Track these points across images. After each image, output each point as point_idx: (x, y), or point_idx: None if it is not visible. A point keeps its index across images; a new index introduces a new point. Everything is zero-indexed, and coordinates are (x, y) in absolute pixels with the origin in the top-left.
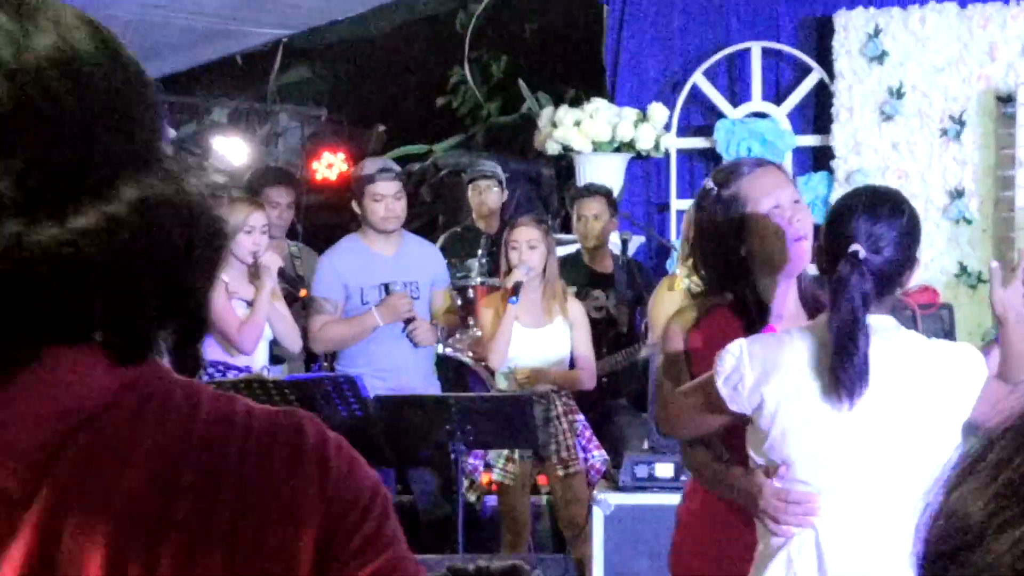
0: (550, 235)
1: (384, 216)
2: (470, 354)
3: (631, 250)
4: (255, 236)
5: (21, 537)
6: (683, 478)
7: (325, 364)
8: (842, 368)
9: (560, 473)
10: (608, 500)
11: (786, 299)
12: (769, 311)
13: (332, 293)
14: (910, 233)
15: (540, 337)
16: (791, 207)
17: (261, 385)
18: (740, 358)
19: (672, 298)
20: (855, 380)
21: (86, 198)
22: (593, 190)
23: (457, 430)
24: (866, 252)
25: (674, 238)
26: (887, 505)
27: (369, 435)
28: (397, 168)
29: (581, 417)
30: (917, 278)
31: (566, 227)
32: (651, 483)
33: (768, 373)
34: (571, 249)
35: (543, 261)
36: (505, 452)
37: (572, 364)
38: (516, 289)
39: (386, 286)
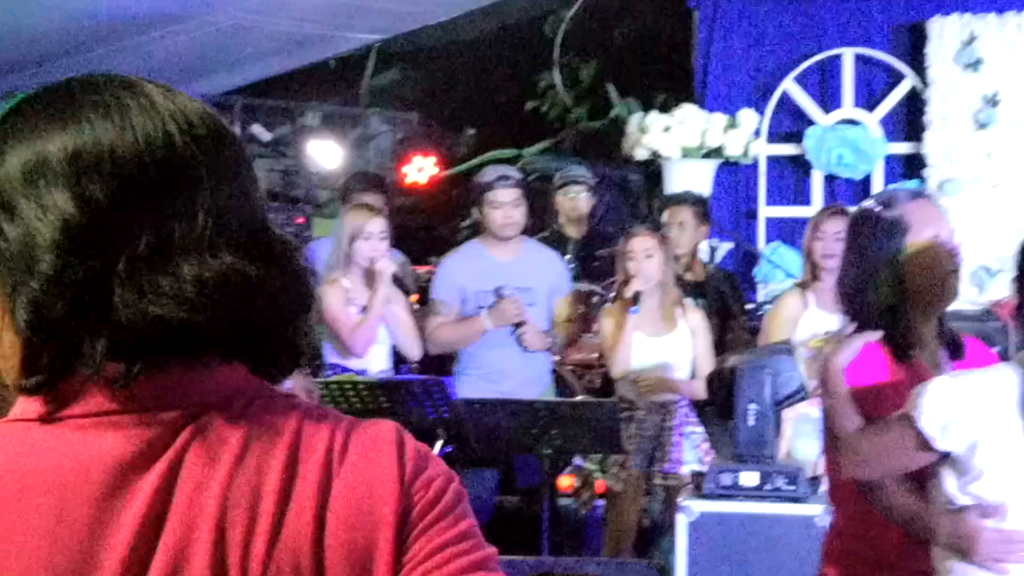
0: (667, 243)
1: (502, 223)
2: (570, 368)
3: (718, 257)
4: (373, 242)
5: (139, 497)
6: (767, 487)
7: (415, 366)
8: None
9: (661, 483)
10: (692, 507)
11: (932, 333)
12: (915, 344)
13: (448, 296)
14: None
15: (662, 345)
16: (949, 241)
17: (353, 386)
18: (948, 397)
19: (787, 308)
20: None
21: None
22: (680, 199)
23: (544, 434)
24: None
25: (762, 245)
26: None
27: (464, 438)
28: (517, 175)
29: (701, 429)
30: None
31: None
32: (736, 491)
33: (981, 412)
34: None
35: (660, 269)
36: (617, 458)
37: (693, 373)
38: (636, 299)
39: (497, 291)
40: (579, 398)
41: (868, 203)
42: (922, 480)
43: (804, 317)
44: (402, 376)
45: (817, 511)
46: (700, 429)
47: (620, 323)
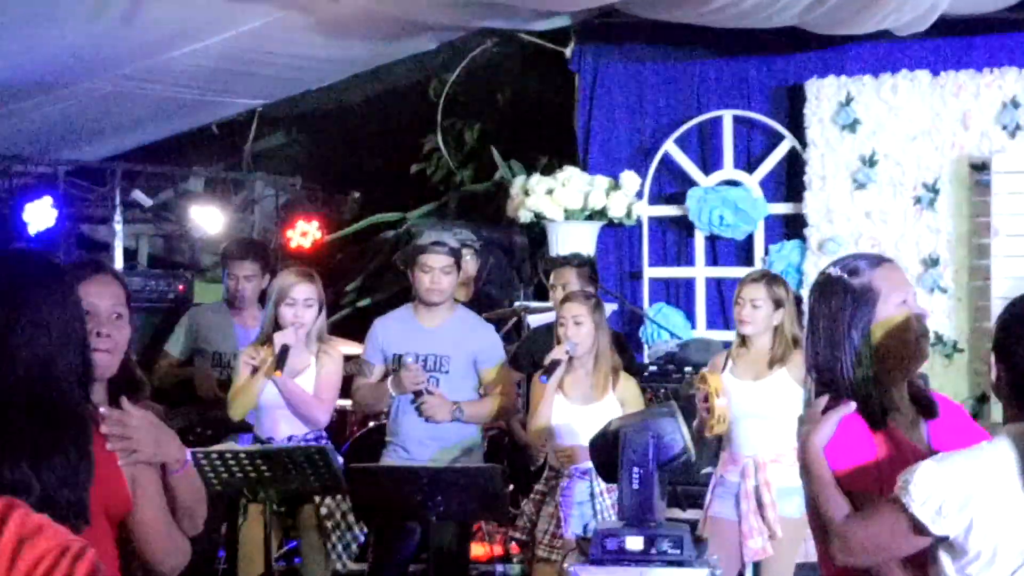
0: (600, 311)
1: (428, 288)
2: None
3: None
4: (297, 308)
5: None
6: (652, 551)
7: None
8: None
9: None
10: (579, 573)
11: (905, 396)
12: (891, 410)
13: (372, 357)
14: None
15: (587, 414)
16: (915, 305)
17: (234, 455)
18: (938, 481)
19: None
20: None
21: None
22: (564, 261)
23: (427, 500)
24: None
25: (647, 305)
26: None
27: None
28: (453, 244)
29: None
30: None
31: (540, 295)
32: (621, 555)
33: (974, 493)
34: (548, 317)
35: (591, 337)
36: (551, 528)
37: None
38: (550, 368)
39: (399, 358)
40: (463, 465)
41: (832, 270)
42: (921, 560)
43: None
44: (283, 444)
45: (703, 574)
46: None
47: (542, 390)
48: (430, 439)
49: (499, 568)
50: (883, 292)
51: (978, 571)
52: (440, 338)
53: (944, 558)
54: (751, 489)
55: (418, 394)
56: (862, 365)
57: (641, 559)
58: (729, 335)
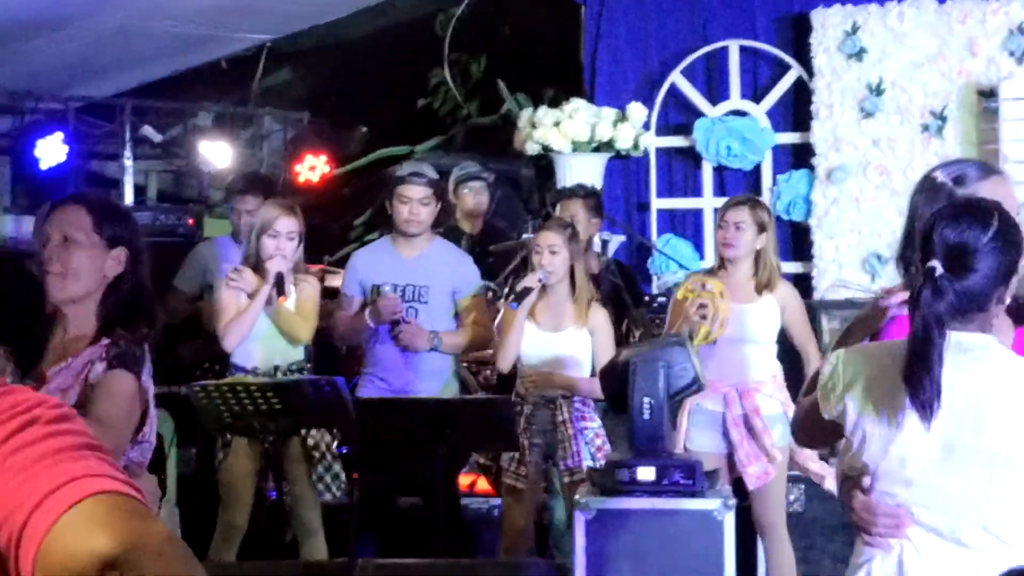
0: (576, 240)
1: (407, 219)
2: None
3: (611, 250)
4: (280, 240)
5: None
6: (664, 482)
7: (309, 367)
8: (913, 389)
9: (566, 480)
10: (590, 504)
11: None
12: None
13: (351, 289)
14: (1000, 247)
15: (557, 341)
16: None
17: (245, 388)
18: (835, 366)
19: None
20: (927, 401)
21: None
22: (571, 192)
23: (437, 434)
24: (943, 268)
25: (655, 237)
26: (972, 531)
27: (357, 439)
28: (432, 174)
29: (596, 424)
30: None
31: None
32: (633, 487)
33: (854, 382)
34: None
35: (565, 266)
36: (516, 455)
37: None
38: (521, 295)
39: (377, 287)
40: (472, 396)
41: (939, 175)
42: None
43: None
44: (294, 377)
45: (715, 505)
46: (595, 424)
47: (513, 316)
48: (407, 368)
49: (498, 502)
50: None
51: (857, 464)
52: (419, 269)
53: (842, 447)
54: (738, 417)
55: (395, 324)
56: None
57: (653, 490)
58: None
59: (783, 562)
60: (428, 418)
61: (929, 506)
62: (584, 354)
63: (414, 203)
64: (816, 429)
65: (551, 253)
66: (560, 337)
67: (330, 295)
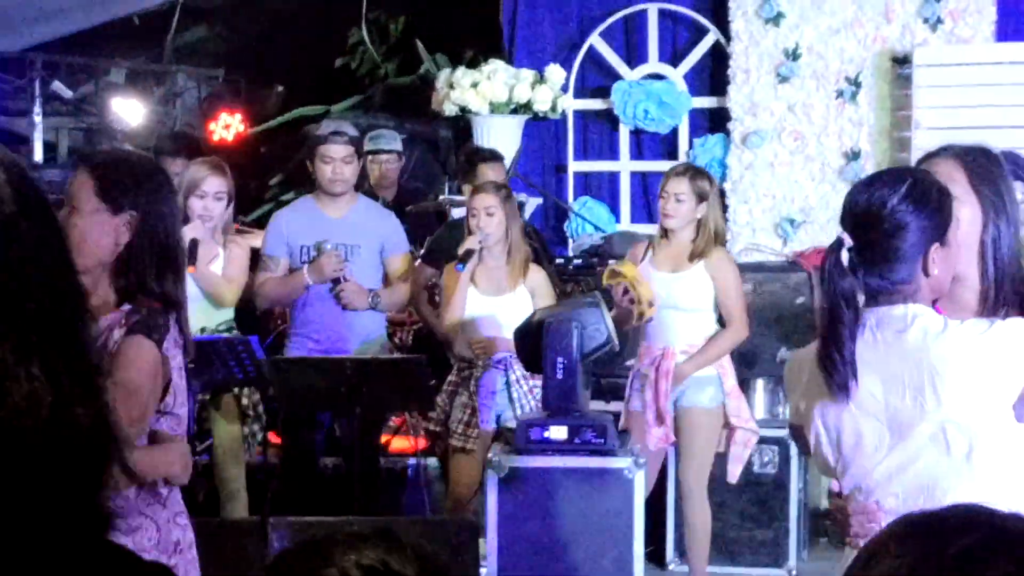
0: (511, 201)
1: (331, 178)
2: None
3: (528, 212)
4: (207, 201)
5: None
6: (576, 440)
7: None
8: (827, 371)
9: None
10: (502, 462)
11: None
12: None
13: (276, 251)
14: (915, 208)
15: (499, 305)
16: None
17: None
18: (790, 367)
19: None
20: (842, 382)
21: None
22: (490, 155)
23: (354, 393)
24: (852, 240)
25: (571, 200)
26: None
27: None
28: (353, 132)
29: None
30: (813, 239)
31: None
32: (545, 445)
33: (799, 384)
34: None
35: (502, 228)
36: (465, 417)
37: None
38: (465, 257)
39: (318, 245)
40: (388, 356)
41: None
42: None
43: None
44: (206, 336)
45: (626, 463)
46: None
47: (455, 279)
48: (342, 328)
49: (412, 461)
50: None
51: (818, 463)
52: (347, 227)
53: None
54: (653, 380)
55: (336, 282)
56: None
57: (565, 448)
58: (652, 228)
59: (695, 523)
60: (345, 377)
61: (896, 493)
62: (526, 315)
63: (337, 162)
64: (801, 426)
65: (487, 215)
66: (501, 300)
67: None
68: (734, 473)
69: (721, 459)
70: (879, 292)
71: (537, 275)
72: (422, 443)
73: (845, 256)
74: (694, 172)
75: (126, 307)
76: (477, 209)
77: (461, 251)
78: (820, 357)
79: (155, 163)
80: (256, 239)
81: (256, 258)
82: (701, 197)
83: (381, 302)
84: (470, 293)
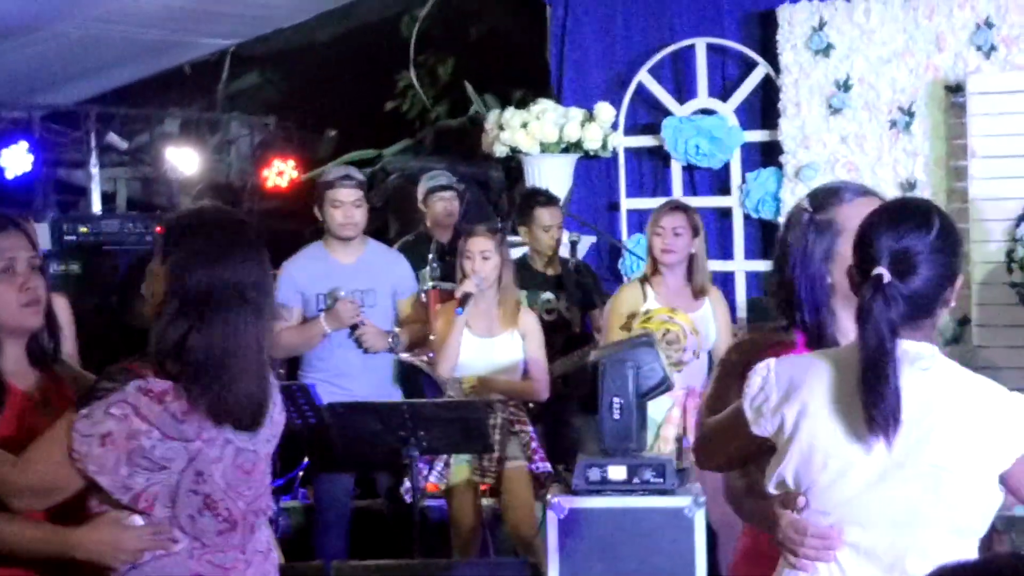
0: (504, 245)
1: (342, 223)
2: (425, 359)
3: (581, 251)
4: None
5: None
6: (635, 480)
7: (281, 372)
8: (872, 404)
9: (476, 479)
10: (562, 503)
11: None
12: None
13: (289, 300)
14: (943, 247)
15: (491, 347)
16: None
17: None
18: (767, 378)
19: (625, 301)
20: (887, 417)
21: None
22: (547, 199)
23: (411, 436)
24: (891, 275)
25: (625, 237)
26: (913, 557)
27: (327, 442)
28: (360, 176)
29: (530, 428)
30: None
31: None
32: (604, 486)
33: (791, 394)
34: (522, 250)
35: (496, 271)
36: (444, 457)
37: (525, 373)
38: (464, 300)
39: (333, 292)
40: (445, 399)
41: (803, 202)
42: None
43: (643, 310)
44: None
45: (686, 502)
46: (528, 428)
47: (450, 322)
48: (365, 371)
49: (436, 502)
50: (847, 227)
51: (790, 481)
52: (361, 273)
53: (770, 462)
54: (678, 417)
55: (354, 327)
56: (816, 296)
57: (624, 489)
58: (713, 264)
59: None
60: (403, 421)
61: (865, 526)
62: (517, 358)
63: (347, 206)
64: (733, 447)
65: (483, 259)
66: (494, 343)
67: None
68: None
69: None
70: (908, 326)
71: (528, 318)
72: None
73: (887, 289)
74: (685, 206)
75: None
76: (472, 252)
77: (459, 294)
78: (865, 390)
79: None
80: None
81: None
82: (696, 231)
83: (400, 343)
84: (464, 335)
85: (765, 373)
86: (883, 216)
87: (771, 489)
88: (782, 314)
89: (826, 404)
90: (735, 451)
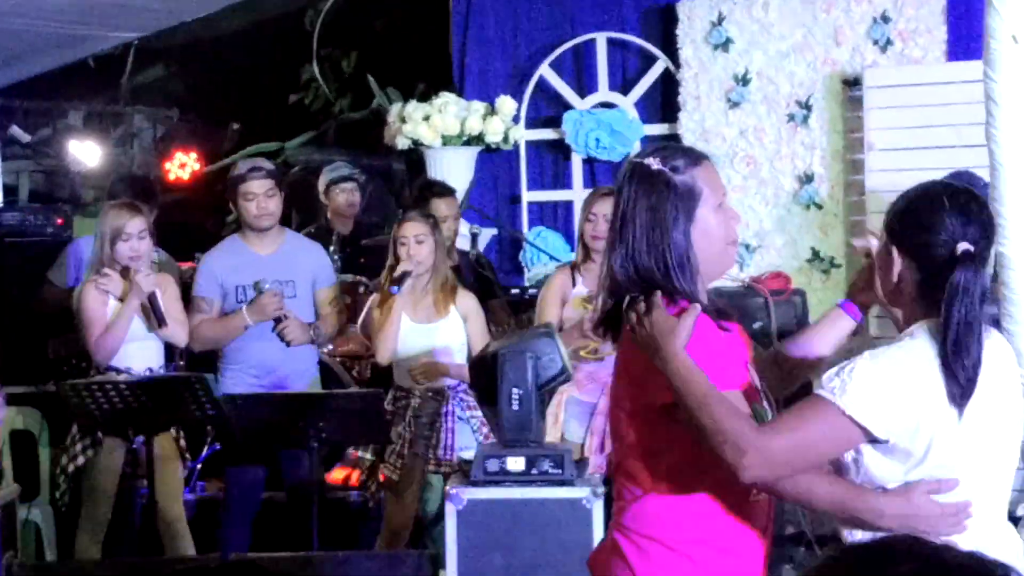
0: (438, 230)
1: (257, 214)
2: (326, 350)
3: (483, 243)
4: (132, 242)
5: None
6: (533, 471)
7: (181, 363)
8: (956, 375)
9: (431, 470)
10: (460, 495)
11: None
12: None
13: (209, 292)
14: (992, 227)
15: (432, 332)
16: (730, 209)
17: (114, 386)
18: (877, 379)
19: (556, 288)
20: (967, 386)
21: None
22: (441, 190)
23: (310, 427)
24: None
25: (526, 230)
26: (995, 509)
27: (230, 435)
28: (270, 166)
29: (479, 413)
30: (769, 263)
31: None
32: (503, 476)
33: (911, 390)
34: None
35: (432, 255)
36: (395, 447)
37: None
38: (400, 280)
39: (256, 285)
40: (345, 390)
41: (651, 162)
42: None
43: (573, 295)
44: (164, 374)
45: (584, 493)
46: (479, 413)
47: (387, 308)
48: (282, 363)
49: (354, 495)
50: (706, 192)
51: (925, 472)
52: (280, 264)
53: (878, 458)
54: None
55: (277, 321)
56: (687, 268)
57: (523, 479)
58: None
59: None
60: (303, 412)
61: (975, 495)
62: (459, 341)
63: (260, 197)
64: (827, 452)
65: (417, 243)
66: (435, 328)
67: None
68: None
69: None
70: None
71: (467, 299)
72: (355, 475)
73: (975, 260)
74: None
75: None
76: (406, 237)
77: (396, 273)
78: (955, 369)
79: None
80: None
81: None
82: None
83: (320, 335)
84: (404, 322)
85: (870, 374)
86: (944, 199)
87: (877, 483)
88: (643, 291)
89: (937, 391)
90: (824, 456)
